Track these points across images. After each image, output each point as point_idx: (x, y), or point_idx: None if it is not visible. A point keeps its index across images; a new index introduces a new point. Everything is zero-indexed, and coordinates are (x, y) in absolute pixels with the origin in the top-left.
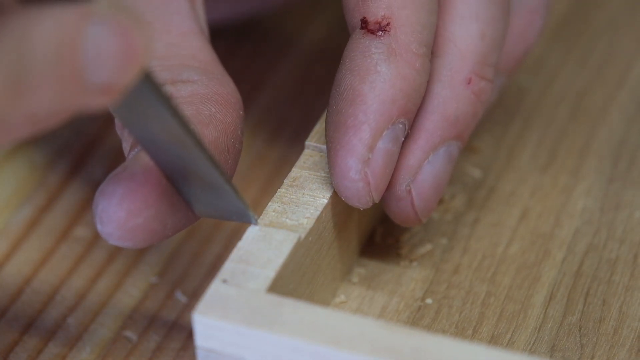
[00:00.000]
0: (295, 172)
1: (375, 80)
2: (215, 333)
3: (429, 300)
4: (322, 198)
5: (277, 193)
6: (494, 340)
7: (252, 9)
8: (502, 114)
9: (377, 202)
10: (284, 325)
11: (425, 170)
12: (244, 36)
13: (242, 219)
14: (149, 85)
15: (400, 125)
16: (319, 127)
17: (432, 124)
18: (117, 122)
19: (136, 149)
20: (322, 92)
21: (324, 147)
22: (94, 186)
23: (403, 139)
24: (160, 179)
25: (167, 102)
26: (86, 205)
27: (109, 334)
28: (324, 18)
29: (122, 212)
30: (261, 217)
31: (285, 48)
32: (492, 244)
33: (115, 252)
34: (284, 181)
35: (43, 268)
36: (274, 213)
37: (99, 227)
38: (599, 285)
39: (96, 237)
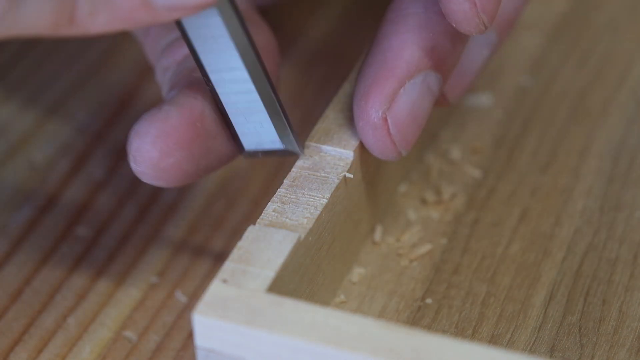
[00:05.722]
0: (295, 171)
1: (412, 32)
2: (215, 333)
3: (428, 300)
4: (322, 198)
5: (277, 193)
6: (493, 340)
7: None
8: (502, 114)
9: (404, 155)
10: (284, 325)
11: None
12: None
13: (289, 150)
14: (229, 10)
15: (433, 76)
16: (319, 127)
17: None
18: (158, 71)
19: (174, 90)
20: (322, 92)
21: (324, 146)
22: (94, 186)
23: (436, 92)
24: (195, 120)
25: (243, 26)
26: (86, 205)
27: (109, 334)
28: (324, 17)
29: (155, 152)
30: (261, 217)
31: (285, 47)
32: (492, 244)
33: (115, 252)
34: (284, 181)
35: (43, 268)
36: (274, 213)
37: (132, 165)
38: (599, 285)
39: (96, 237)
